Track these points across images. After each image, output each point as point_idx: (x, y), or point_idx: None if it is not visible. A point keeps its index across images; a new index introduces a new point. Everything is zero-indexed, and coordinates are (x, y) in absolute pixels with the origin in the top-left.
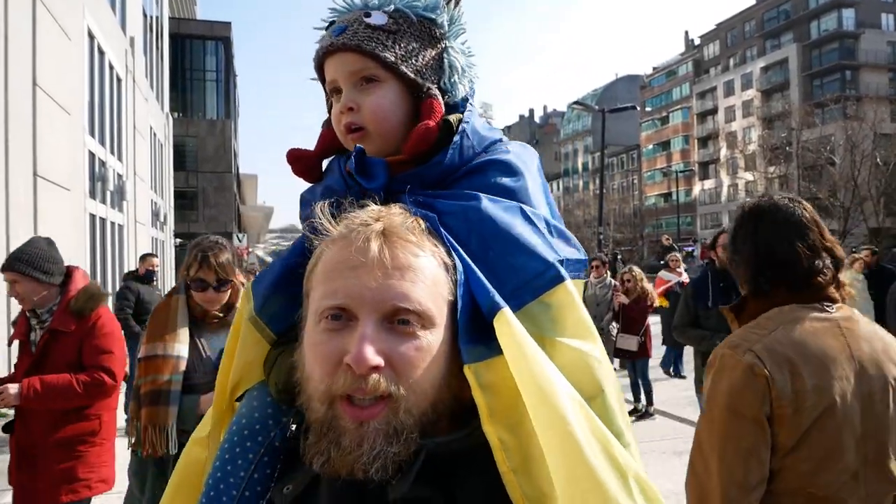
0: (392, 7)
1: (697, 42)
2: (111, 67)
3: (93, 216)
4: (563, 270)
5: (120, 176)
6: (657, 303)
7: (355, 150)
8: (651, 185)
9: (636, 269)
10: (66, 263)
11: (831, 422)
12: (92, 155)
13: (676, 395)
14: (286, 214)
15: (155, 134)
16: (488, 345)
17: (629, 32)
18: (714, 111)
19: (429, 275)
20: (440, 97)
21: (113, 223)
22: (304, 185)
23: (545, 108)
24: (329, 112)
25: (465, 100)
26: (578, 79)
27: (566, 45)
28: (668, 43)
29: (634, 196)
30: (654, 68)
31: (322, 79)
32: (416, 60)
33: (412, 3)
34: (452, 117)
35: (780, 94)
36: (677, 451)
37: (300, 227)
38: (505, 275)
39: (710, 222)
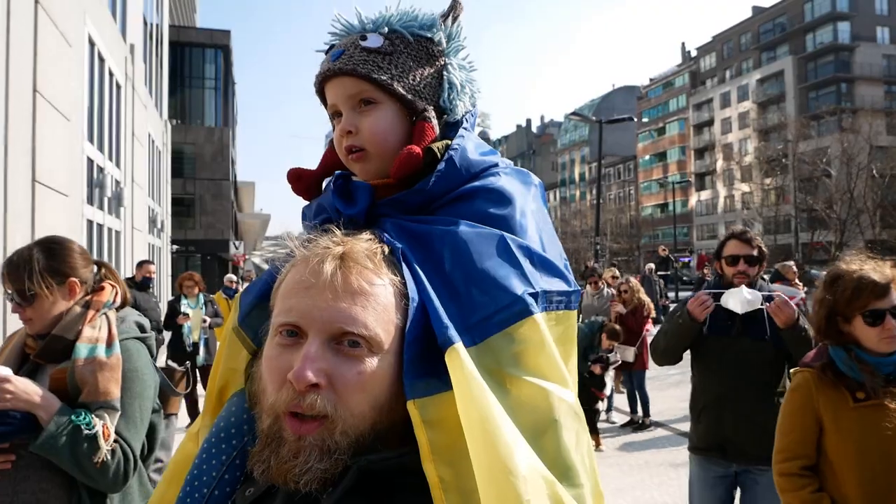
0: (387, 28)
1: (694, 54)
2: (111, 74)
3: (90, 222)
4: (532, 304)
5: (118, 182)
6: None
7: (334, 176)
8: (647, 195)
9: (633, 280)
10: None
11: None
12: (90, 161)
13: (674, 406)
14: (283, 222)
15: (153, 141)
16: (442, 378)
17: (627, 43)
18: (710, 122)
19: (381, 301)
20: (433, 119)
21: (110, 229)
22: (300, 196)
23: (542, 118)
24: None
25: (459, 122)
26: (576, 89)
27: (564, 55)
28: (665, 54)
29: (631, 206)
30: (651, 79)
31: (324, 102)
32: (413, 80)
33: (407, 22)
34: (438, 144)
35: (776, 106)
36: (674, 464)
37: (296, 234)
38: (473, 305)
39: (706, 233)
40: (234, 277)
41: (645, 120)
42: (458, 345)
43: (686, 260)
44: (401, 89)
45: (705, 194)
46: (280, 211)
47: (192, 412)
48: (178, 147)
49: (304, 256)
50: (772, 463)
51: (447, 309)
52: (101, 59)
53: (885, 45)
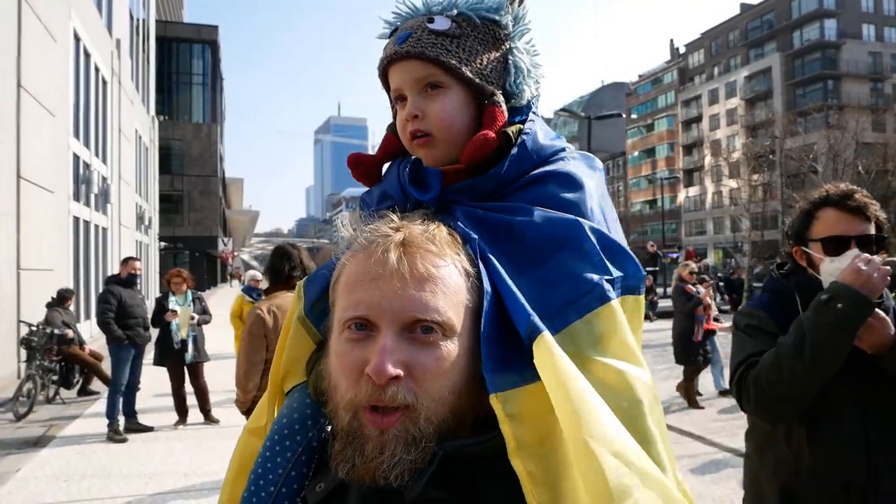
0: (455, 11)
1: (682, 50)
2: (97, 70)
3: (76, 219)
4: (609, 289)
5: (104, 179)
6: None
7: (411, 162)
8: (636, 191)
9: None
10: (49, 266)
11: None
12: (76, 157)
13: (664, 400)
14: (271, 218)
15: (140, 137)
16: (521, 371)
17: (616, 40)
18: (699, 119)
19: (449, 284)
20: (503, 104)
21: (97, 226)
22: (289, 192)
23: None
24: (394, 118)
25: (524, 107)
26: (565, 86)
27: (552, 51)
28: (653, 51)
29: (620, 202)
30: (640, 76)
31: (386, 86)
32: (481, 64)
33: (475, 4)
34: (513, 128)
35: (764, 103)
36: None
37: (289, 232)
38: (552, 292)
39: (694, 229)
40: (260, 276)
41: (634, 116)
42: (547, 333)
43: (675, 256)
44: (469, 73)
45: (693, 190)
46: (269, 208)
47: (181, 409)
48: (165, 143)
49: (363, 246)
50: None
51: (526, 298)
52: (87, 54)
53: (870, 43)
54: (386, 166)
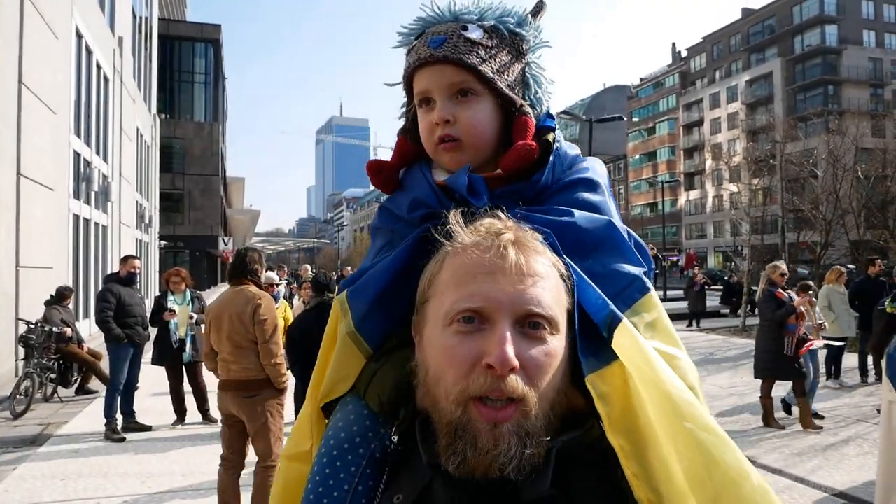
0: (489, 22)
1: (684, 54)
2: (99, 67)
3: (77, 216)
4: (647, 281)
5: (105, 177)
6: None
7: (465, 170)
8: (637, 194)
9: None
10: (48, 264)
11: None
12: (77, 155)
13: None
14: (272, 218)
15: (141, 135)
16: (597, 355)
17: (618, 43)
18: (700, 123)
19: (553, 283)
20: (532, 115)
21: (97, 224)
22: (290, 192)
23: None
24: (408, 121)
25: (550, 116)
26: (566, 88)
27: (554, 54)
28: (655, 54)
29: (621, 205)
30: (642, 79)
31: (408, 87)
32: (509, 76)
33: (504, 18)
34: (549, 136)
35: (765, 108)
36: None
37: (290, 232)
38: (600, 286)
39: (694, 232)
40: (276, 278)
41: (635, 119)
42: (626, 321)
43: (675, 259)
44: (501, 84)
45: (694, 194)
46: (270, 207)
47: (179, 409)
48: (167, 142)
49: (474, 241)
50: None
51: None
52: (89, 52)
53: (871, 49)
54: (401, 173)
